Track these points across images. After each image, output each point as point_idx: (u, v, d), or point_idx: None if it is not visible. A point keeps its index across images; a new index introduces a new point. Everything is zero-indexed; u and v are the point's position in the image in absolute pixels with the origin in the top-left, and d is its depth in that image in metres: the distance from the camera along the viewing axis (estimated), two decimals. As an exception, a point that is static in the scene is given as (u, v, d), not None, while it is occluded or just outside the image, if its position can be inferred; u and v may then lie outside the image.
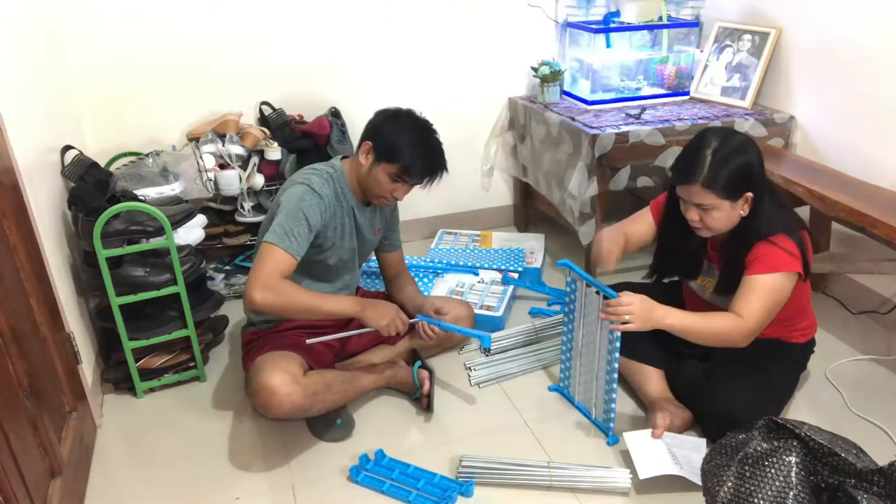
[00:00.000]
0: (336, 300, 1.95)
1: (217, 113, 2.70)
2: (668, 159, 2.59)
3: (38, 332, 1.72)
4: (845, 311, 2.55)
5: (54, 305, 1.84)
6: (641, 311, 1.75)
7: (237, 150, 2.53)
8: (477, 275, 2.74)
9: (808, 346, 2.05)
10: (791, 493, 1.47)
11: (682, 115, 2.71)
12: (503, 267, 2.76)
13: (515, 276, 2.72)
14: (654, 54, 2.96)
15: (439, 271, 2.76)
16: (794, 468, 1.49)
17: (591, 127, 2.57)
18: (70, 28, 2.46)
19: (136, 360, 2.14)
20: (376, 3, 2.78)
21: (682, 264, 2.00)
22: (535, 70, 2.93)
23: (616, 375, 1.89)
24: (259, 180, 2.56)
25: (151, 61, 2.60)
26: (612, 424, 1.95)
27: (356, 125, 1.99)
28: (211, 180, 2.49)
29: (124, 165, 2.50)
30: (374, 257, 2.30)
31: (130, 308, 2.08)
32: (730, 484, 1.54)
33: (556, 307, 2.61)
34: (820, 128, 2.60)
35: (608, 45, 2.84)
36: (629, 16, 2.85)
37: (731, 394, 1.84)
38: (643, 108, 2.75)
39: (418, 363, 2.12)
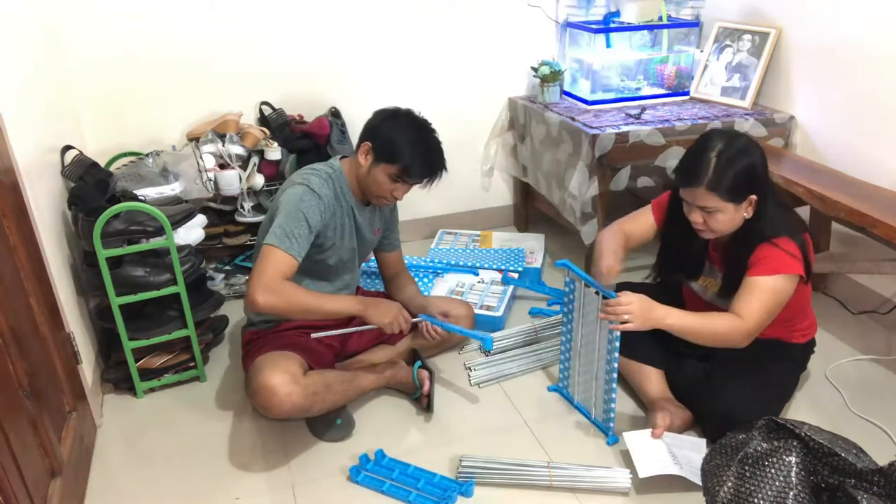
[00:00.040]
0: (338, 300, 1.96)
1: (217, 113, 2.70)
2: (668, 159, 2.59)
3: (38, 332, 1.72)
4: (845, 311, 2.55)
5: (54, 305, 1.84)
6: (640, 311, 1.75)
7: (237, 150, 2.53)
8: (477, 275, 2.74)
9: (809, 347, 2.05)
10: (791, 493, 1.47)
11: (682, 115, 2.70)
12: (503, 267, 2.76)
13: (515, 276, 2.72)
14: (654, 54, 2.95)
15: (439, 271, 2.76)
16: (794, 468, 1.49)
17: (591, 127, 2.57)
18: (70, 28, 2.46)
19: (136, 360, 2.14)
20: (376, 3, 2.78)
21: (683, 265, 2.00)
22: (535, 70, 2.93)
23: (615, 375, 1.89)
24: (259, 180, 2.56)
25: (151, 61, 2.59)
26: (611, 424, 1.95)
27: (356, 125, 1.98)
28: (211, 180, 2.49)
29: (124, 165, 2.50)
30: (373, 257, 2.30)
31: (130, 308, 2.08)
32: (730, 484, 1.54)
33: (556, 307, 2.61)
34: (820, 128, 2.60)
35: (608, 45, 2.84)
36: (629, 16, 2.85)
37: (731, 394, 1.84)
38: (643, 108, 2.75)
39: (418, 363, 2.12)
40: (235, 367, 2.30)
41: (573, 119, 2.67)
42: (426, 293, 2.49)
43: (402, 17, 2.83)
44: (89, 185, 2.05)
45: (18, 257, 1.65)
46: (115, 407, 2.15)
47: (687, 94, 2.92)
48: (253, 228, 2.64)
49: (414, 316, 2.04)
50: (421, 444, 1.98)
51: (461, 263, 2.81)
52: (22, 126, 1.82)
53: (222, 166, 2.53)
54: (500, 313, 2.48)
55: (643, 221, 2.03)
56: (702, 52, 2.92)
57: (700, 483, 1.66)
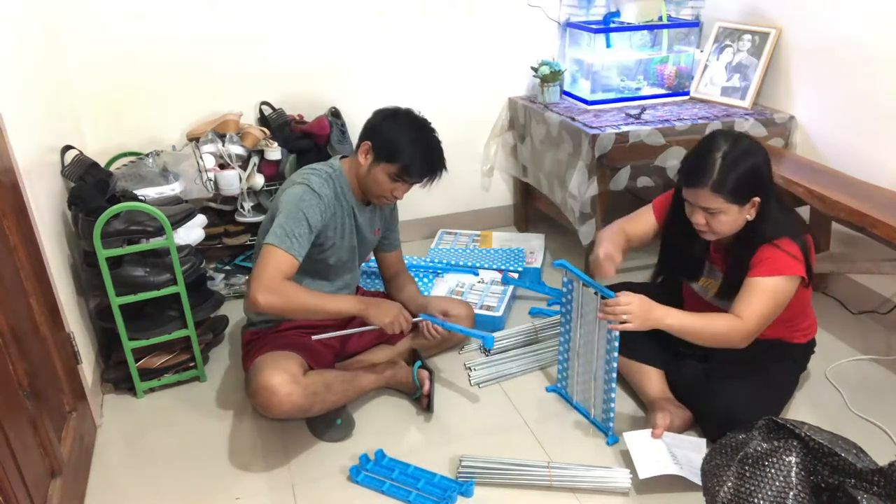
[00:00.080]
0: (339, 300, 1.96)
1: (217, 113, 2.70)
2: (667, 159, 2.59)
3: (38, 332, 1.72)
4: (845, 311, 2.55)
5: (54, 305, 1.84)
6: (640, 311, 1.75)
7: (237, 150, 2.53)
8: (477, 275, 2.74)
9: (809, 347, 2.05)
10: (791, 493, 1.47)
11: (682, 115, 2.71)
12: (503, 267, 2.76)
13: (515, 276, 2.72)
14: (654, 54, 2.96)
15: (439, 271, 2.76)
16: (794, 468, 1.49)
17: (591, 127, 2.57)
18: (70, 28, 2.46)
19: (136, 360, 2.14)
20: (376, 3, 2.78)
21: (684, 266, 2.00)
22: (535, 70, 2.93)
23: (615, 375, 1.88)
24: (259, 180, 2.56)
25: (151, 61, 2.59)
26: (611, 424, 1.95)
27: (356, 125, 1.98)
28: (211, 180, 2.49)
29: (124, 165, 2.50)
30: (373, 257, 2.30)
31: (130, 308, 2.08)
32: (730, 484, 1.54)
33: (556, 307, 2.61)
34: (820, 128, 2.60)
35: (608, 45, 2.84)
36: (629, 16, 2.85)
37: (731, 394, 1.84)
38: (643, 108, 2.75)
39: (418, 363, 2.12)
40: (235, 367, 2.30)
41: (573, 119, 2.67)
42: (426, 293, 2.49)
43: (402, 17, 2.83)
44: (89, 185, 2.05)
45: (18, 257, 1.65)
46: (115, 407, 2.15)
47: (687, 94, 2.92)
48: (253, 228, 2.64)
49: (414, 316, 2.04)
50: (421, 444, 1.98)
51: (461, 263, 2.80)
52: (22, 126, 1.82)
53: (222, 166, 2.53)
54: (500, 313, 2.48)
55: (644, 221, 2.03)
56: (702, 52, 2.92)
57: (700, 483, 1.66)
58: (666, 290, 2.07)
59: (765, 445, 1.55)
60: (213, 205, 2.67)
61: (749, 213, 1.76)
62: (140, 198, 2.16)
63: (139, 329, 2.12)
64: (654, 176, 2.71)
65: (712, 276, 1.95)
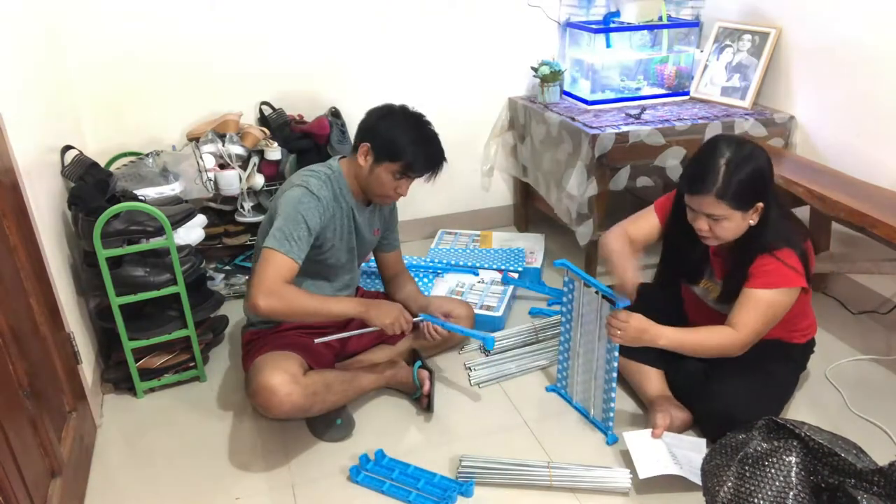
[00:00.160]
0: (339, 302, 1.96)
1: (217, 113, 2.70)
2: (667, 159, 2.59)
3: (38, 332, 1.72)
4: (845, 311, 2.55)
5: (54, 305, 1.84)
6: (633, 331, 1.78)
7: (237, 150, 2.53)
8: (477, 275, 2.74)
9: (809, 347, 2.05)
10: (791, 493, 1.47)
11: (682, 115, 2.70)
12: (503, 267, 2.76)
13: (515, 276, 2.72)
14: (654, 54, 2.96)
15: (439, 271, 2.76)
16: (794, 468, 1.49)
17: (591, 127, 2.57)
18: (70, 28, 2.46)
19: (136, 360, 2.14)
20: (376, 3, 2.78)
21: (685, 269, 2.00)
22: (535, 70, 2.93)
23: (615, 374, 1.89)
24: (259, 180, 2.56)
25: (151, 61, 2.59)
26: (611, 424, 1.95)
27: (356, 125, 1.98)
28: (211, 180, 2.49)
29: (124, 165, 2.50)
30: (373, 258, 2.29)
31: (130, 308, 2.08)
32: (730, 484, 1.54)
33: (556, 307, 2.61)
34: (820, 128, 2.60)
35: (608, 45, 2.84)
36: (629, 16, 2.85)
37: (731, 394, 1.84)
38: (643, 108, 2.75)
39: (418, 363, 2.12)
40: (235, 367, 2.30)
41: (573, 119, 2.67)
42: (426, 293, 2.48)
43: (402, 17, 2.83)
44: (89, 185, 2.05)
45: (18, 257, 1.65)
46: (115, 407, 2.15)
47: (687, 94, 2.92)
48: (253, 228, 2.64)
49: (415, 316, 2.04)
50: (421, 444, 1.98)
51: (461, 263, 2.80)
52: (22, 126, 1.82)
53: (222, 166, 2.53)
54: (500, 313, 2.48)
55: (647, 223, 2.00)
56: (702, 52, 2.92)
57: (700, 483, 1.66)
58: (668, 291, 2.07)
59: (765, 445, 1.55)
60: (213, 205, 2.67)
61: (752, 219, 1.75)
62: (140, 198, 2.16)
63: (139, 329, 2.12)
64: (653, 176, 2.71)
65: (713, 279, 1.95)
